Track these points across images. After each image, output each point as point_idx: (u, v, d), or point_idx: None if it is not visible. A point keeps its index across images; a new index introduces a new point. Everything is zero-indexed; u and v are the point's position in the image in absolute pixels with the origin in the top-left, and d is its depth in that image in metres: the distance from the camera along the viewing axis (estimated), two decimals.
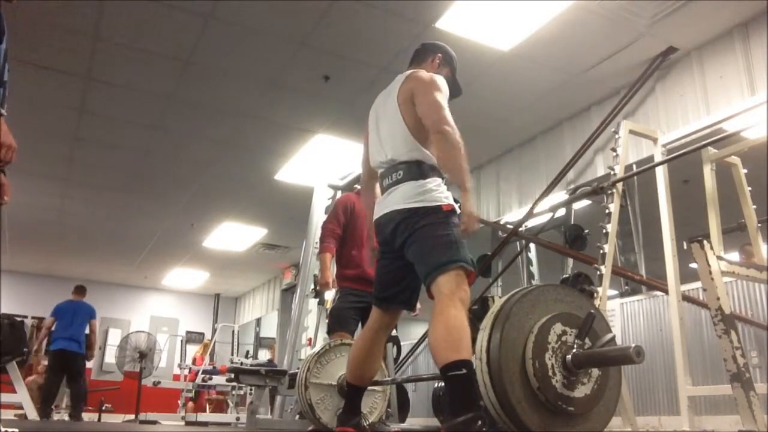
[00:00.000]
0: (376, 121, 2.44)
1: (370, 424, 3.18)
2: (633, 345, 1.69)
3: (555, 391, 1.71)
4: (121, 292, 12.21)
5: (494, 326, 1.77)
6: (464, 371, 1.84)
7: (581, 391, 1.77)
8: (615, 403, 1.94)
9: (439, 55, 2.52)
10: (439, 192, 2.14)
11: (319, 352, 3.16)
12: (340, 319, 3.64)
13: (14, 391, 5.82)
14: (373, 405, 3.25)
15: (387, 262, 2.31)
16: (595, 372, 1.81)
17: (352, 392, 2.35)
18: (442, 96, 2.21)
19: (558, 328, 1.78)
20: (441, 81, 2.29)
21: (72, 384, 6.76)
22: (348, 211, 3.85)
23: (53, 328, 6.91)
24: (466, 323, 1.93)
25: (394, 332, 4.17)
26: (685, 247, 3.05)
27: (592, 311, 1.83)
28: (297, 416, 4.45)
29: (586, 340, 1.79)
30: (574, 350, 1.77)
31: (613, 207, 3.58)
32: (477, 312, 4.47)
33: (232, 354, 9.99)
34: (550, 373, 1.72)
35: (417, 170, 2.18)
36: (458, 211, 2.12)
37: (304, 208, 5.58)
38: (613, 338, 1.84)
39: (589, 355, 1.77)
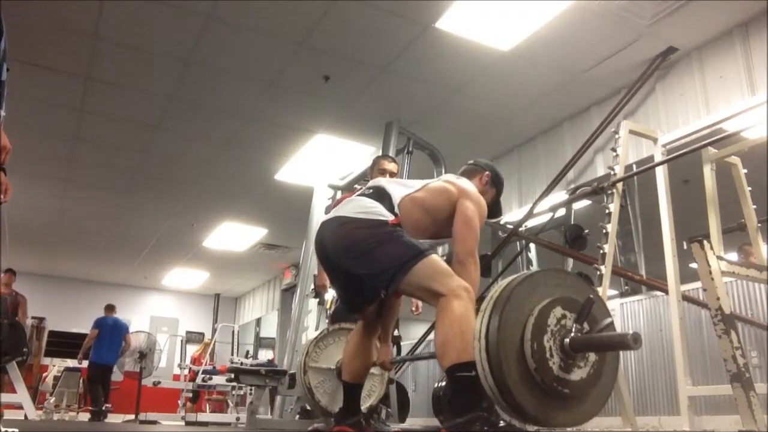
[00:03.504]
0: None
1: (369, 407, 3.20)
2: (631, 332, 1.70)
3: (551, 373, 1.73)
4: (121, 292, 12.21)
5: (494, 309, 1.78)
6: (473, 373, 1.83)
7: (578, 374, 1.78)
8: (610, 389, 1.95)
9: (488, 174, 2.52)
10: (386, 213, 2.13)
11: (317, 336, 3.22)
12: (341, 320, 3.65)
13: (14, 391, 5.83)
14: (372, 388, 3.29)
15: (337, 280, 2.34)
16: (592, 356, 1.82)
17: (349, 390, 2.36)
18: (480, 223, 2.24)
19: (558, 311, 1.79)
20: (485, 207, 2.31)
21: (105, 386, 7.75)
22: None
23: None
24: (471, 317, 1.90)
25: (396, 332, 4.17)
26: (685, 247, 3.05)
27: (592, 296, 1.84)
28: (297, 416, 4.45)
29: (585, 325, 1.80)
30: (573, 334, 1.78)
31: (613, 207, 3.57)
32: (477, 312, 4.47)
33: (232, 354, 9.98)
34: (548, 355, 1.73)
35: (384, 198, 2.19)
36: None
37: (304, 208, 5.58)
38: (612, 323, 1.85)
39: (588, 339, 1.77)
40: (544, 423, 1.78)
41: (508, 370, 1.70)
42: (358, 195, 2.28)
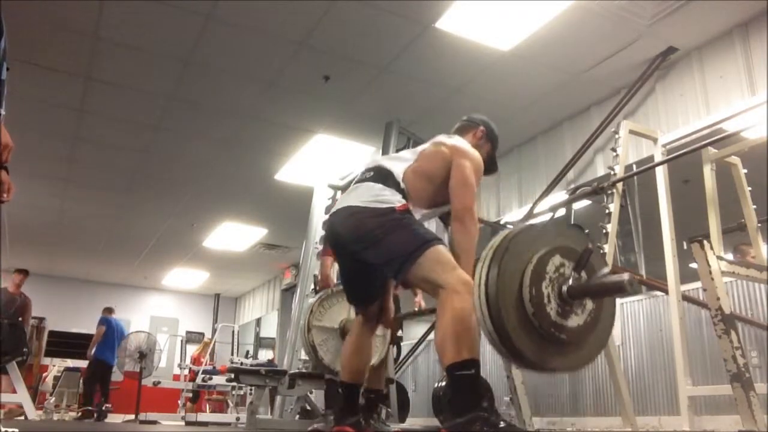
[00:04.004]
0: None
1: (372, 366, 3.22)
2: (627, 276, 1.73)
3: (549, 319, 1.75)
4: (121, 292, 12.21)
5: (493, 258, 1.80)
6: (472, 371, 1.84)
7: (575, 321, 1.80)
8: (607, 336, 1.99)
9: (482, 128, 2.53)
10: (394, 198, 2.13)
11: (321, 296, 3.27)
12: None
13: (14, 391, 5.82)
14: (374, 349, 3.33)
15: (346, 269, 2.34)
16: (590, 305, 1.84)
17: (348, 390, 2.35)
18: (476, 180, 2.24)
19: (557, 260, 1.82)
20: (480, 163, 2.30)
21: (104, 386, 7.83)
22: None
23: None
24: (472, 314, 1.88)
25: (400, 333, 4.18)
26: (685, 247, 3.05)
27: (590, 246, 1.86)
28: (297, 416, 4.45)
29: (583, 274, 1.83)
30: (571, 282, 1.80)
31: (613, 207, 3.58)
32: None
33: (232, 354, 9.97)
34: (546, 301, 1.76)
35: (387, 178, 2.19)
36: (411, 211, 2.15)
37: (304, 208, 5.59)
38: (609, 273, 1.87)
39: (585, 285, 1.80)
40: (542, 367, 1.82)
41: (506, 316, 1.73)
42: (360, 179, 2.26)
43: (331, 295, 3.30)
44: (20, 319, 7.06)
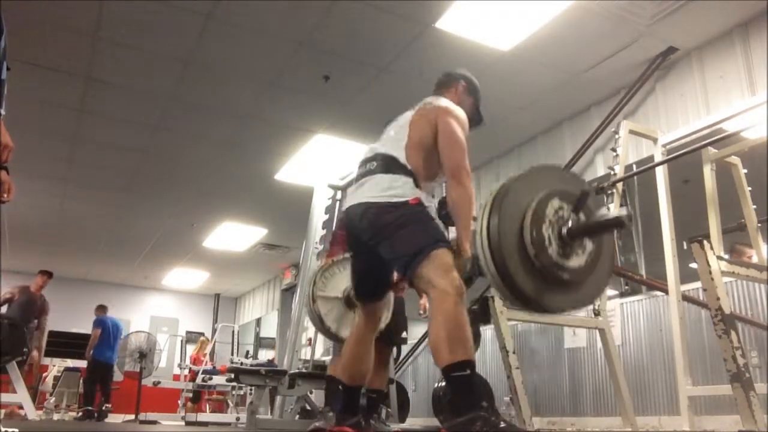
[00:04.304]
0: (385, 131, 2.44)
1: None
2: (624, 212, 1.80)
3: (550, 259, 1.80)
4: (121, 292, 12.21)
5: (494, 204, 1.85)
6: (467, 372, 1.85)
7: (575, 261, 1.85)
8: (608, 276, 2.04)
9: (462, 83, 2.54)
10: (409, 188, 2.14)
11: (323, 267, 3.29)
12: None
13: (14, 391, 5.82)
14: None
15: (359, 261, 2.36)
16: (590, 245, 1.89)
17: (348, 393, 2.35)
18: (464, 134, 2.24)
19: (555, 202, 1.86)
20: (464, 117, 2.30)
21: (105, 386, 7.80)
22: None
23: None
24: (465, 319, 1.92)
25: (404, 334, 4.18)
26: (685, 247, 3.05)
27: (587, 188, 1.90)
28: (297, 416, 4.45)
29: (581, 216, 1.87)
30: (570, 223, 1.85)
31: (613, 207, 3.58)
32: (477, 312, 4.47)
33: (232, 354, 9.97)
34: (547, 243, 1.81)
35: (392, 165, 2.19)
36: (425, 204, 2.15)
37: (304, 208, 5.58)
38: (606, 214, 1.92)
39: (584, 225, 1.85)
40: (546, 307, 1.88)
41: (509, 258, 1.78)
42: (366, 171, 2.25)
43: (332, 265, 3.33)
44: (36, 320, 7.21)
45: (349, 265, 3.22)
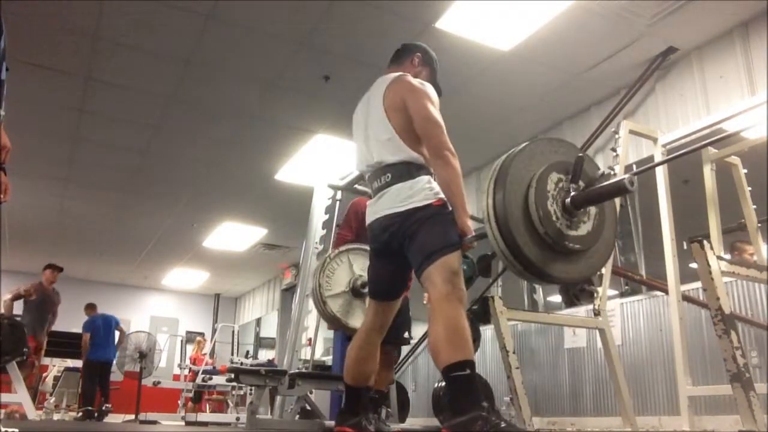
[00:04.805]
0: (361, 127, 2.41)
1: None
2: (626, 176, 1.81)
3: (561, 233, 1.86)
4: (121, 292, 12.21)
5: (496, 185, 1.89)
6: (467, 372, 1.85)
7: (584, 228, 1.91)
8: (613, 240, 2.11)
9: (418, 54, 2.52)
10: (429, 190, 2.14)
11: (323, 266, 3.32)
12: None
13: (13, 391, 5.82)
14: None
15: (383, 263, 2.33)
16: (593, 209, 1.94)
17: (350, 393, 2.35)
18: (437, 110, 2.21)
19: (554, 176, 1.90)
20: (432, 91, 2.28)
21: (104, 385, 7.79)
22: (360, 216, 3.85)
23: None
24: (465, 322, 1.94)
25: (407, 335, 4.18)
26: (685, 247, 3.05)
27: (580, 155, 1.93)
28: (297, 416, 4.45)
29: (580, 183, 1.91)
30: (572, 193, 1.89)
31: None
32: (477, 312, 4.47)
33: (232, 354, 9.97)
34: (554, 218, 1.86)
35: (405, 171, 2.18)
36: (449, 207, 2.15)
37: (304, 208, 5.56)
38: (603, 173, 1.96)
39: (586, 194, 1.89)
40: (568, 279, 1.99)
41: (520, 237, 1.82)
42: (383, 185, 2.22)
43: (329, 262, 3.35)
44: (52, 315, 7.43)
45: (344, 257, 3.25)
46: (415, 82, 2.28)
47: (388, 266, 2.31)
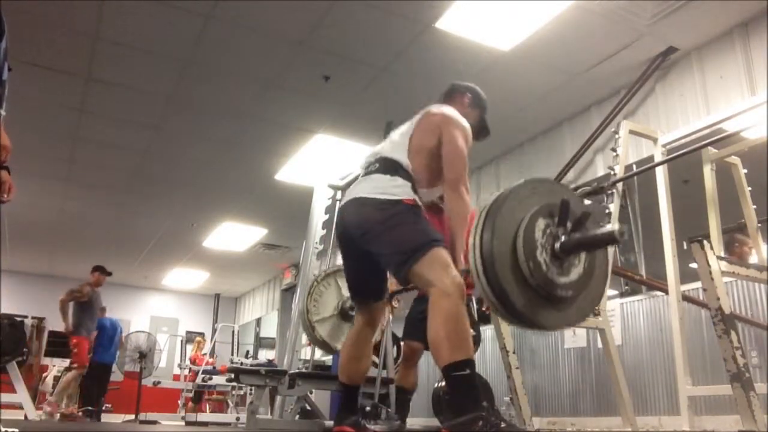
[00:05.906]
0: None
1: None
2: (617, 226, 1.78)
3: (554, 283, 1.78)
4: (121, 292, 12.20)
5: (487, 218, 1.80)
6: (467, 371, 1.84)
7: (575, 272, 1.84)
8: (605, 277, 2.02)
9: (468, 95, 2.55)
10: (406, 186, 2.14)
11: (310, 291, 3.29)
12: (412, 327, 3.70)
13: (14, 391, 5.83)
14: None
15: (351, 262, 2.34)
16: (583, 255, 1.88)
17: (347, 392, 2.35)
18: (467, 147, 2.25)
19: (541, 223, 1.82)
20: (468, 129, 2.31)
21: (101, 386, 7.81)
22: None
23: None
24: (464, 318, 1.91)
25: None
26: (685, 247, 3.05)
27: (565, 197, 1.86)
28: (297, 416, 4.45)
29: (568, 225, 1.84)
30: (561, 239, 1.82)
31: (613, 207, 3.57)
32: (478, 312, 4.46)
33: (232, 354, 9.98)
34: (545, 269, 1.78)
35: (392, 167, 2.20)
36: (420, 205, 2.15)
37: (304, 208, 5.57)
38: (590, 211, 1.87)
39: (577, 241, 1.82)
40: (540, 325, 1.85)
41: (512, 293, 1.75)
42: (368, 171, 2.26)
43: (316, 285, 3.34)
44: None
45: (332, 280, 3.23)
46: (456, 114, 2.33)
47: (358, 268, 2.31)
